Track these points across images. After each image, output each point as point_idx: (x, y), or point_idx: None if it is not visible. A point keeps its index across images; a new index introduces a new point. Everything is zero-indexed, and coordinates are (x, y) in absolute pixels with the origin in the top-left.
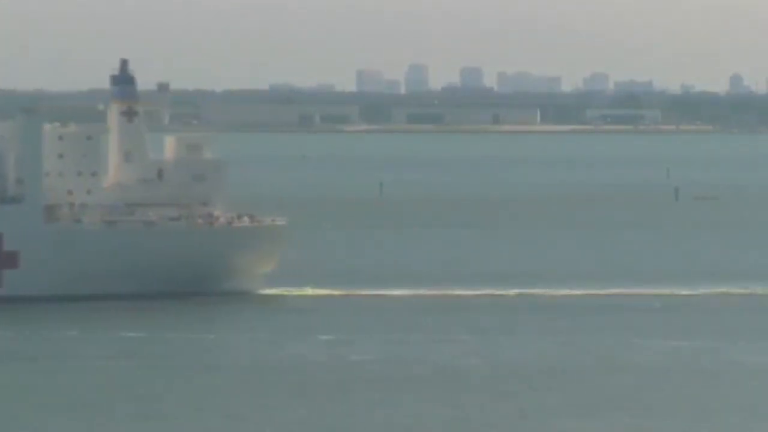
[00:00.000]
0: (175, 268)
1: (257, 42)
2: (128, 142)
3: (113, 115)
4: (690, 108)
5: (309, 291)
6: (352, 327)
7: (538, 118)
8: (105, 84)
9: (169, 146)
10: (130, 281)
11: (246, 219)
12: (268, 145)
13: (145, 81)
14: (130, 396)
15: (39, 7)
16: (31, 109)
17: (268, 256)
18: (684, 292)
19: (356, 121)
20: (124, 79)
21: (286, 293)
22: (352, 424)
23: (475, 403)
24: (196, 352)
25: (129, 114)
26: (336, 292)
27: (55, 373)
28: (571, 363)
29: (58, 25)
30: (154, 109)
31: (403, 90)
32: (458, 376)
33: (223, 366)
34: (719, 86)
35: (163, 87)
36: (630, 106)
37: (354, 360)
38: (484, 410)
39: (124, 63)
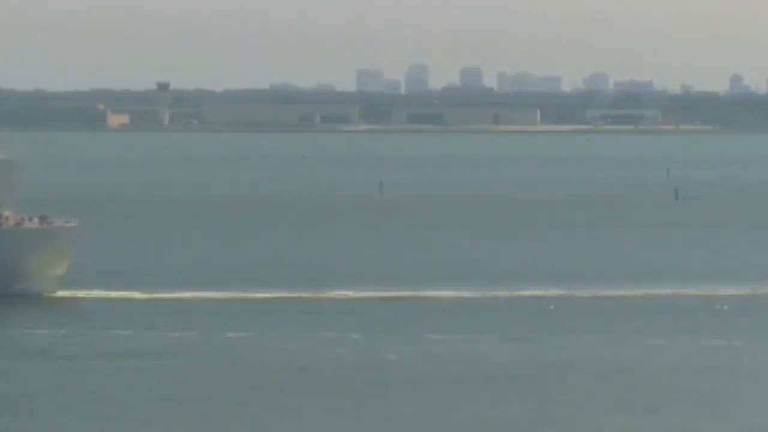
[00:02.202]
0: None
1: (258, 42)
2: None
3: None
4: (690, 108)
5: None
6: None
7: (538, 118)
8: (105, 84)
9: None
10: None
11: (36, 220)
12: (269, 145)
13: (146, 81)
14: None
15: (39, 6)
16: None
17: (60, 258)
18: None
19: (356, 121)
20: None
21: (84, 295)
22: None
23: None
24: None
25: None
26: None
27: None
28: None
29: (57, 25)
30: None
31: (403, 90)
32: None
33: None
34: (719, 86)
35: (163, 87)
36: (630, 106)
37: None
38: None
39: None
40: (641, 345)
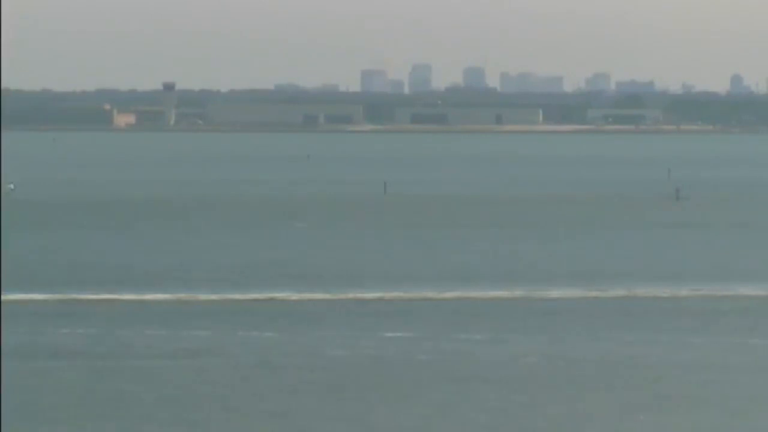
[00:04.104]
0: None
1: (262, 42)
2: None
3: None
4: (691, 108)
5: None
6: None
7: (541, 118)
8: (112, 84)
9: None
10: None
11: None
12: (273, 145)
13: (152, 81)
14: None
15: (45, 6)
16: None
17: None
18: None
19: (360, 121)
20: None
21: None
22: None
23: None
24: None
25: None
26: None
27: None
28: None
29: (63, 24)
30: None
31: (407, 90)
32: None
33: None
34: (720, 86)
35: (169, 87)
36: (631, 106)
37: None
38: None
39: None
40: (717, 345)
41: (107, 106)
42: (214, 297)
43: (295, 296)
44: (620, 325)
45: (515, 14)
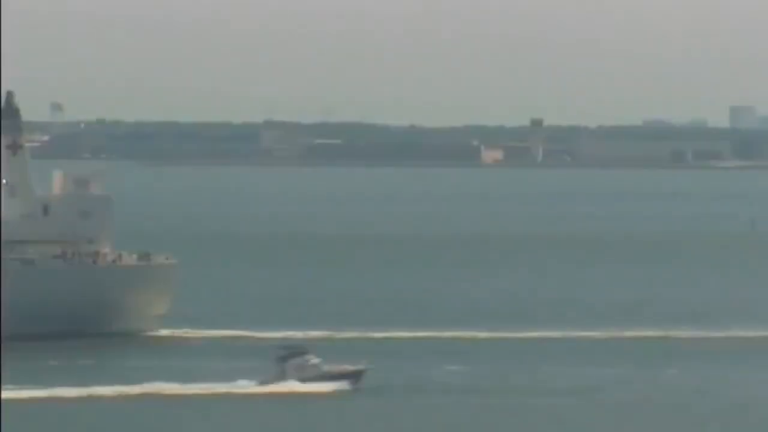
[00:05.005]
0: (56, 308)
1: (631, 77)
2: (12, 176)
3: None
4: None
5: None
6: None
7: None
8: (479, 120)
9: (57, 181)
10: (11, 321)
11: (134, 257)
12: (641, 181)
13: (520, 117)
14: None
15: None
16: None
17: (159, 296)
18: None
19: (728, 157)
20: (8, 112)
21: (186, 335)
22: None
23: None
24: None
25: (13, 147)
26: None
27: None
28: None
29: (434, 63)
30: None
31: None
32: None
33: None
34: None
35: (536, 123)
36: None
37: None
38: None
39: (9, 95)
40: None
41: (475, 142)
42: (600, 334)
43: (691, 333)
44: None
45: None
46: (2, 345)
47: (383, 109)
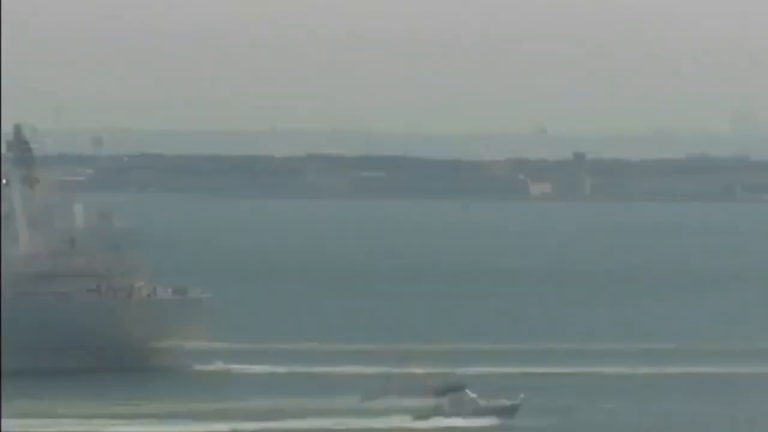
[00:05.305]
0: (89, 342)
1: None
2: (31, 209)
3: (14, 182)
4: None
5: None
6: None
7: None
8: (525, 153)
9: (78, 215)
10: (43, 355)
11: (169, 291)
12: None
13: (563, 151)
14: None
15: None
16: None
17: (194, 330)
18: None
19: None
20: (17, 145)
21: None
22: None
23: None
24: None
25: (30, 181)
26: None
27: None
28: None
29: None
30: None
31: None
32: None
33: None
34: None
35: (579, 157)
36: None
37: None
38: None
39: (17, 128)
40: None
41: (521, 176)
42: None
43: None
44: None
45: None
46: (27, 379)
47: (423, 141)
